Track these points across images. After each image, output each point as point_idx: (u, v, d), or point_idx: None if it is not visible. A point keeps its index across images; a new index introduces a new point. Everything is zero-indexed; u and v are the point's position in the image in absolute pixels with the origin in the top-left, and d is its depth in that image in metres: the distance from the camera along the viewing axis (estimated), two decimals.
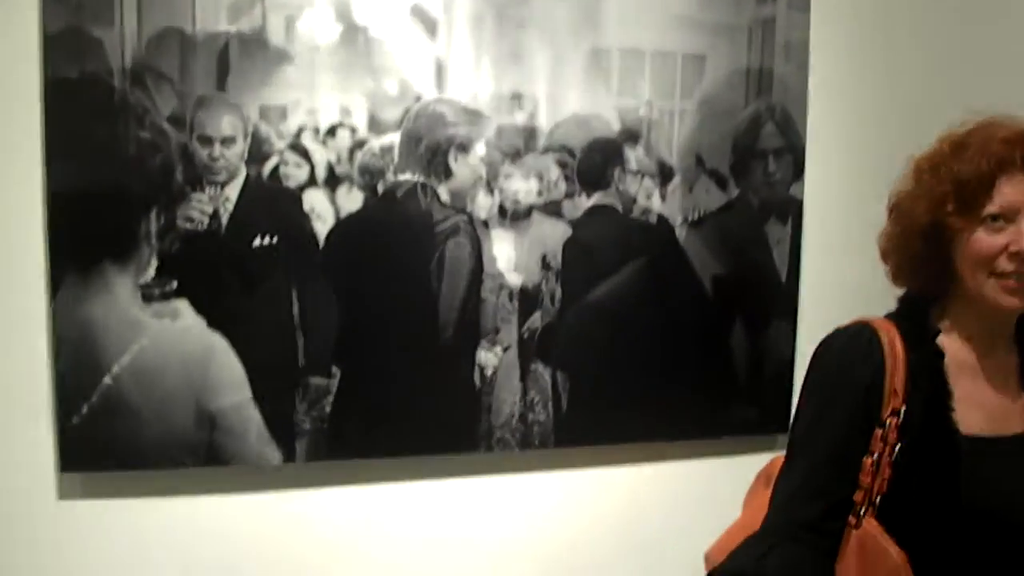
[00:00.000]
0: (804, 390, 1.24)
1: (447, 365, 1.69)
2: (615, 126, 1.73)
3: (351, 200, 1.61)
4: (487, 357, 1.70)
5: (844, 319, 1.23)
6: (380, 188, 1.62)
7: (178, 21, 1.51)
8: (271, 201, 1.58)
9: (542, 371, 1.74)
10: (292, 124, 1.57)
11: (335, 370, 1.63)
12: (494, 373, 1.71)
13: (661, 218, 1.78)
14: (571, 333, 1.74)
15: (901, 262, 1.22)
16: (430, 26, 1.63)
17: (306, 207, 1.59)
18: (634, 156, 1.75)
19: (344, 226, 1.61)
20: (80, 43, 1.47)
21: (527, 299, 1.72)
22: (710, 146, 1.79)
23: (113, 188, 1.51)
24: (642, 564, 1.85)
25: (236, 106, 1.55)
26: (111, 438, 1.52)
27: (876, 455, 1.15)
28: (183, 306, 1.55)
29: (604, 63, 1.72)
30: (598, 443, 1.79)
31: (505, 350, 1.71)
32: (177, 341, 1.55)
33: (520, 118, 1.68)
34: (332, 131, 1.60)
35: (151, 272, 1.53)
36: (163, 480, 1.58)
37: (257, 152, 1.56)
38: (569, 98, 1.71)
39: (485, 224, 1.68)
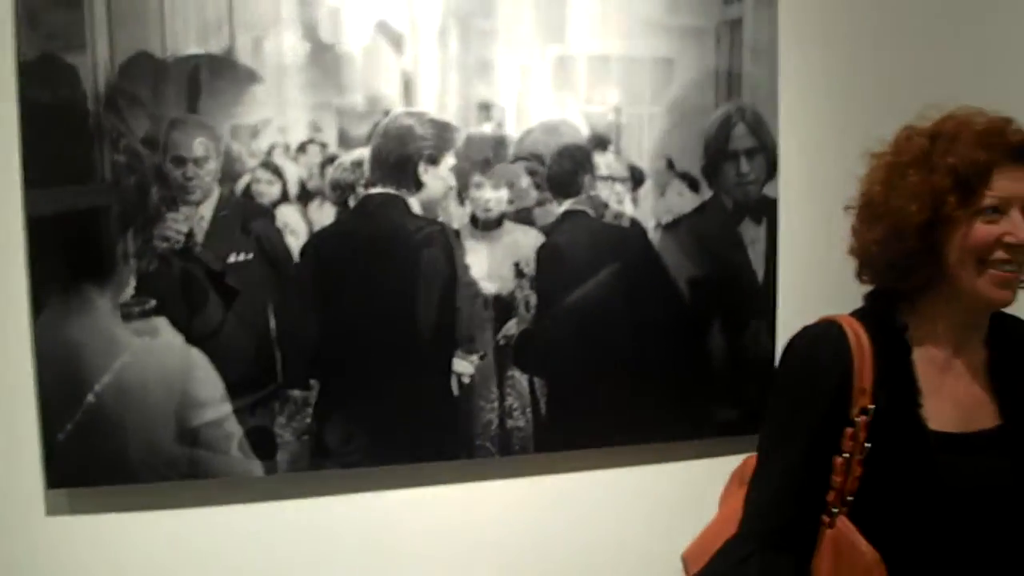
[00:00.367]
0: (773, 392, 1.24)
1: (424, 374, 1.71)
2: (584, 132, 1.75)
3: (323, 215, 1.64)
4: (463, 365, 1.72)
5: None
6: (352, 202, 1.65)
7: (149, 45, 1.54)
8: (245, 218, 1.61)
9: (519, 378, 1.75)
10: (263, 142, 1.60)
11: (313, 382, 1.65)
12: (471, 381, 1.73)
13: (634, 222, 1.79)
14: (547, 339, 1.75)
15: (890, 262, 1.19)
16: (396, 41, 1.65)
17: (279, 223, 1.62)
18: (604, 162, 1.76)
19: (317, 240, 1.64)
20: (54, 70, 1.51)
21: (502, 307, 1.73)
22: (681, 149, 1.80)
23: (90, 210, 1.54)
24: (626, 568, 1.85)
25: (208, 127, 1.58)
26: (96, 454, 1.56)
27: (847, 454, 1.15)
28: (162, 323, 1.59)
29: (571, 70, 1.74)
30: (579, 448, 1.80)
31: (481, 358, 1.73)
32: (157, 358, 1.58)
33: (489, 128, 1.70)
34: (303, 147, 1.62)
35: (130, 291, 1.57)
36: (148, 494, 1.61)
37: (230, 170, 1.59)
38: (537, 106, 1.72)
39: (457, 234, 1.70)
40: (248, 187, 1.61)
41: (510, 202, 1.72)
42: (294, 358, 1.64)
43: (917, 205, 1.14)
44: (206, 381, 1.60)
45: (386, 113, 1.65)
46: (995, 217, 1.13)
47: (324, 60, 1.62)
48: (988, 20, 2.03)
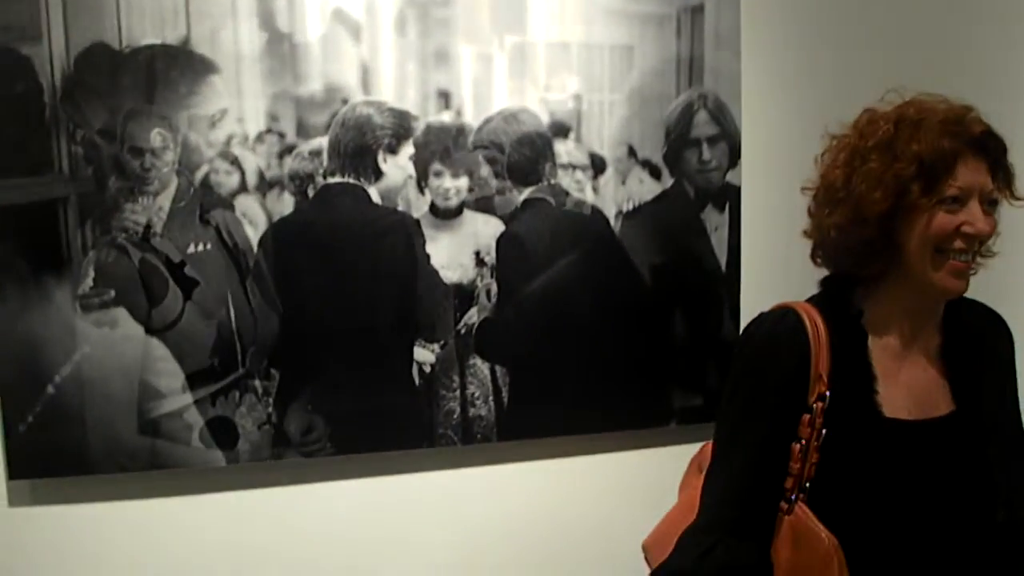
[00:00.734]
0: (730, 379, 1.24)
1: (385, 363, 1.71)
2: (544, 120, 1.75)
3: (282, 204, 1.64)
4: (424, 354, 1.72)
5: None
6: (311, 192, 1.65)
7: (105, 36, 1.54)
8: (203, 209, 1.61)
9: (481, 366, 1.76)
10: (221, 132, 1.60)
11: (274, 372, 1.66)
12: (432, 370, 1.73)
13: (595, 210, 1.79)
14: (509, 328, 1.75)
15: (849, 247, 1.19)
16: (353, 29, 1.65)
17: (238, 213, 1.62)
18: (565, 149, 1.76)
19: (276, 230, 1.64)
20: (10, 61, 1.51)
21: (463, 295, 1.73)
22: (642, 136, 1.80)
23: (48, 202, 1.54)
24: (589, 555, 1.86)
25: (165, 117, 1.58)
26: (57, 445, 1.56)
27: (804, 441, 1.16)
28: (121, 315, 1.59)
29: (530, 58, 1.73)
30: (541, 436, 1.80)
31: (442, 347, 1.73)
32: (117, 349, 1.58)
33: (448, 116, 1.70)
34: (261, 137, 1.62)
35: (88, 282, 1.57)
36: (111, 485, 1.62)
37: (188, 161, 1.59)
38: (496, 95, 1.72)
39: (418, 223, 1.70)
40: (206, 177, 1.61)
41: (470, 191, 1.72)
42: (254, 348, 1.64)
43: (880, 192, 1.14)
44: (166, 372, 1.61)
45: (344, 102, 1.65)
46: (955, 207, 1.13)
47: (281, 49, 1.62)
48: (955, 6, 2.03)
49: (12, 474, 1.57)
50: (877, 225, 1.15)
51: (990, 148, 1.15)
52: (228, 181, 1.62)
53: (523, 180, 1.75)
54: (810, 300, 1.24)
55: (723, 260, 1.87)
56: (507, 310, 1.75)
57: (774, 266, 1.85)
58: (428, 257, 1.71)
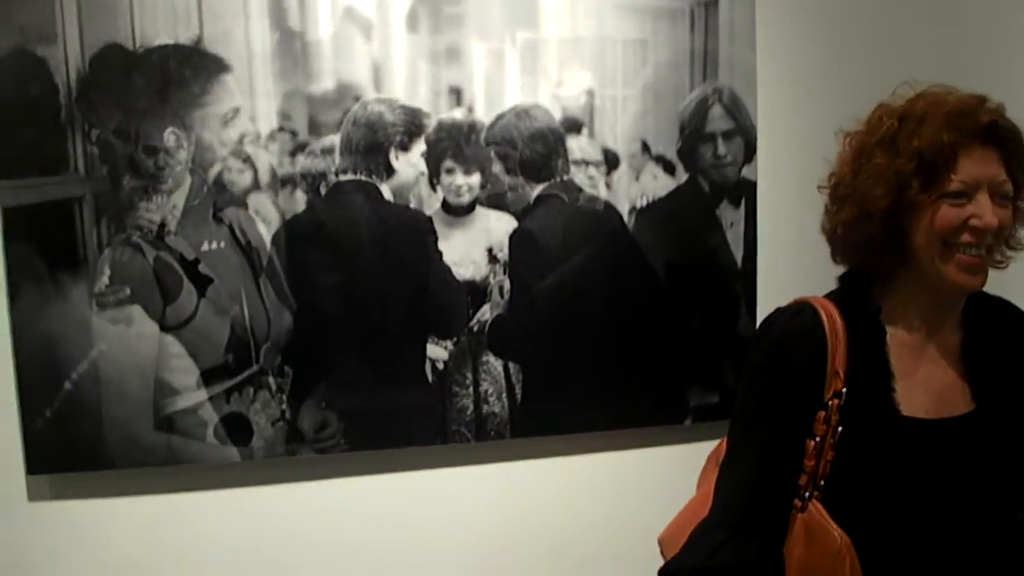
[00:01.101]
0: (745, 374, 1.23)
1: (399, 360, 1.71)
2: (557, 116, 1.74)
3: (295, 202, 1.65)
4: (437, 351, 1.72)
5: None
6: (323, 189, 1.65)
7: (119, 37, 1.56)
8: (217, 207, 1.62)
9: (494, 363, 1.75)
10: (234, 131, 1.61)
11: (288, 369, 1.66)
12: (446, 367, 1.73)
13: (608, 206, 1.78)
14: (522, 325, 1.75)
15: (857, 244, 1.18)
16: (364, 27, 1.65)
17: (251, 211, 1.63)
18: (577, 145, 1.75)
19: (289, 228, 1.65)
20: (26, 63, 1.53)
21: (475, 292, 1.73)
22: (656, 132, 1.78)
23: (64, 201, 1.56)
24: (603, 553, 1.85)
25: (178, 116, 1.59)
26: (75, 441, 1.59)
27: (819, 438, 1.14)
28: (137, 312, 1.60)
29: (542, 54, 1.72)
30: (554, 433, 1.80)
31: (455, 344, 1.73)
32: (132, 346, 1.60)
33: (459, 113, 1.69)
34: (273, 135, 1.63)
35: (104, 280, 1.59)
36: (128, 480, 1.64)
37: (201, 160, 1.61)
38: (508, 91, 1.71)
39: (430, 220, 1.70)
40: (220, 176, 1.62)
41: (482, 187, 1.72)
42: (268, 345, 1.65)
43: (882, 189, 1.12)
44: (181, 368, 1.62)
45: (356, 100, 1.65)
46: (961, 201, 1.11)
47: (293, 48, 1.63)
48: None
49: (31, 469, 1.59)
50: (881, 222, 1.13)
51: (1001, 138, 1.12)
52: (241, 179, 1.63)
53: (536, 176, 1.74)
54: (828, 296, 1.22)
55: (739, 256, 1.85)
56: (520, 307, 1.75)
57: (791, 261, 1.82)
58: (441, 254, 1.71)
